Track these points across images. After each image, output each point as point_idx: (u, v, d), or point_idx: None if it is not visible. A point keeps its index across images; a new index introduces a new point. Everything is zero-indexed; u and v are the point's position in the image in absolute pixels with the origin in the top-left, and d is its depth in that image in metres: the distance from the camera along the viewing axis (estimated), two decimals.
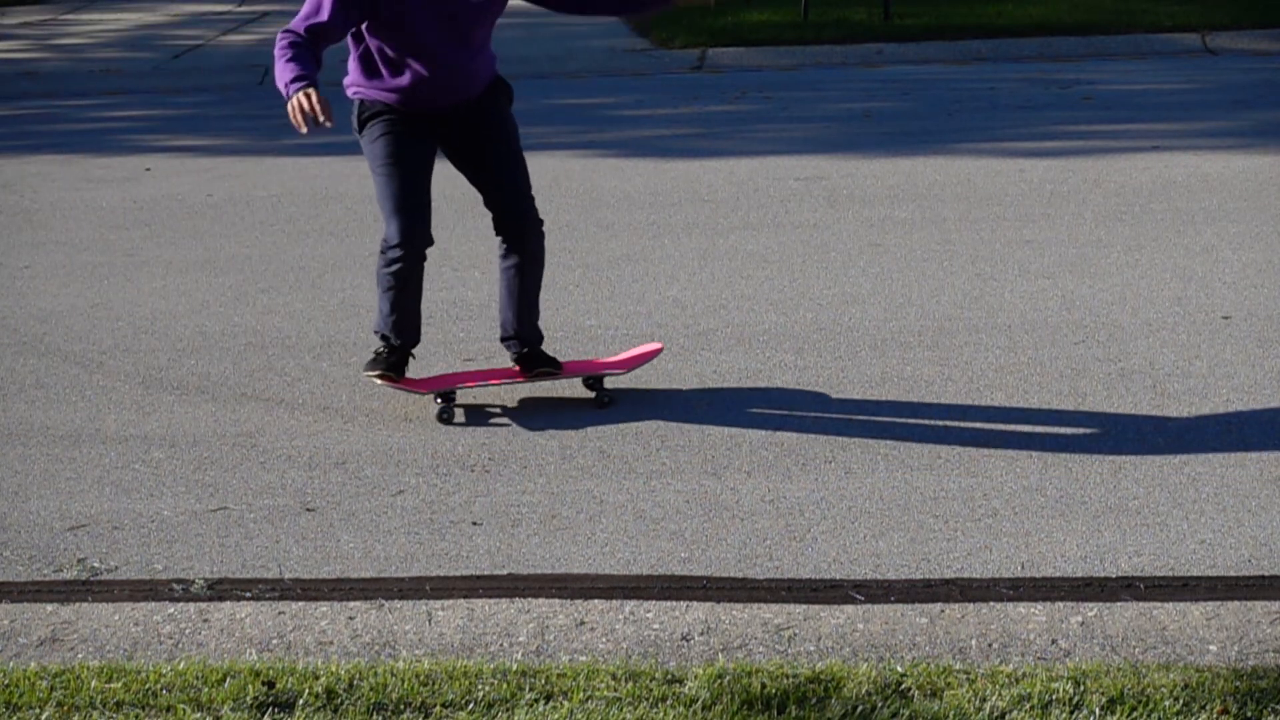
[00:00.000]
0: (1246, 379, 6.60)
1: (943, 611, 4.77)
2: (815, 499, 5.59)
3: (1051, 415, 6.30)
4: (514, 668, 4.46)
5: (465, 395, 6.61)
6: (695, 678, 4.37)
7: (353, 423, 6.46)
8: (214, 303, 8.13)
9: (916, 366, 6.88)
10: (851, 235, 8.99)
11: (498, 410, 6.54)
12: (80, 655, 4.69)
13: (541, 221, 6.50)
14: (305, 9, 6.13)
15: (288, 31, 6.10)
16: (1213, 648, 4.55)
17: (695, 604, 4.85)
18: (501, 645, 4.68)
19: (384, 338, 6.53)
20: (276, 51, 6.07)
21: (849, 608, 4.81)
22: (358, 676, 4.41)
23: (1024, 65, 14.85)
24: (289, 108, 5.94)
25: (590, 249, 8.86)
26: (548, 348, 6.71)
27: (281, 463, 6.07)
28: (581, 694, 4.30)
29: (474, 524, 5.48)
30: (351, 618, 4.84)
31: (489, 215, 6.56)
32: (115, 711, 4.29)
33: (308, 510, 5.63)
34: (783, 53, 15.76)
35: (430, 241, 6.39)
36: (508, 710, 4.25)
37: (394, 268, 6.36)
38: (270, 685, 4.36)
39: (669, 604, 4.85)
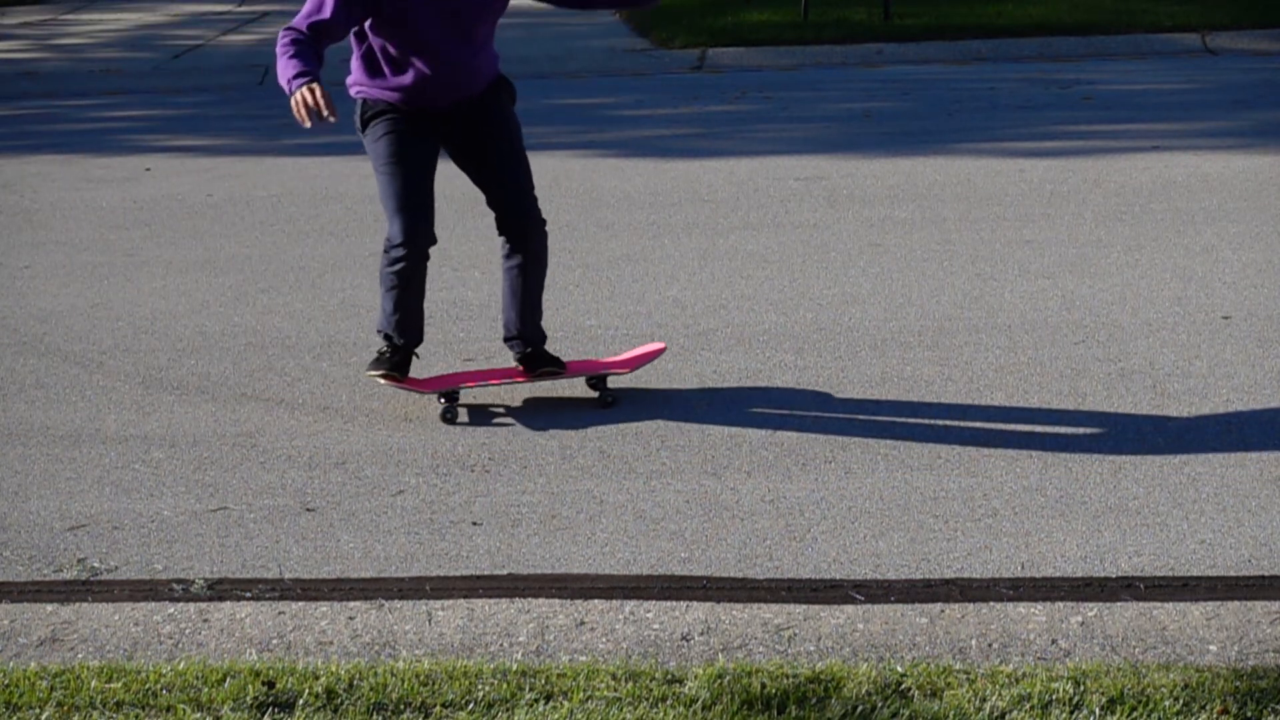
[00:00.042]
0: (1246, 379, 6.60)
1: (943, 611, 4.77)
2: (815, 499, 5.59)
3: (1051, 415, 6.30)
4: (514, 668, 4.46)
5: (467, 395, 6.61)
6: (695, 678, 4.37)
7: (353, 423, 6.46)
8: (214, 303, 8.13)
9: (916, 366, 6.88)
10: (851, 235, 8.99)
11: (500, 410, 6.54)
12: (80, 655, 4.69)
13: (544, 221, 6.50)
14: (307, 6, 6.13)
15: (290, 29, 6.10)
16: (1213, 648, 4.55)
17: (695, 604, 4.85)
18: (501, 645, 4.68)
19: (387, 337, 6.53)
20: (279, 49, 6.07)
21: (849, 608, 4.81)
22: (358, 676, 4.41)
23: (1024, 65, 14.85)
24: (293, 103, 5.94)
25: (590, 249, 8.86)
26: (549, 348, 6.71)
27: (281, 463, 6.07)
28: (581, 694, 4.30)
29: (474, 524, 5.48)
30: (351, 618, 4.84)
31: (489, 215, 6.56)
32: (115, 711, 4.29)
33: (308, 510, 5.63)
34: (783, 53, 15.76)
35: (433, 240, 6.39)
36: (508, 710, 4.25)
37: (397, 266, 6.36)
38: (270, 685, 4.36)
39: (669, 604, 4.85)
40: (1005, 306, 7.63)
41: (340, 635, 4.75)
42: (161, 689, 4.37)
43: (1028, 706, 4.19)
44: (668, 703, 4.26)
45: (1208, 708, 4.16)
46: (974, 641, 4.62)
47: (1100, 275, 8.07)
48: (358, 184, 10.47)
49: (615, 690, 4.31)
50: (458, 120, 6.42)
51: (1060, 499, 5.53)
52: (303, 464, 6.05)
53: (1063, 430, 6.16)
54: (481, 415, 6.50)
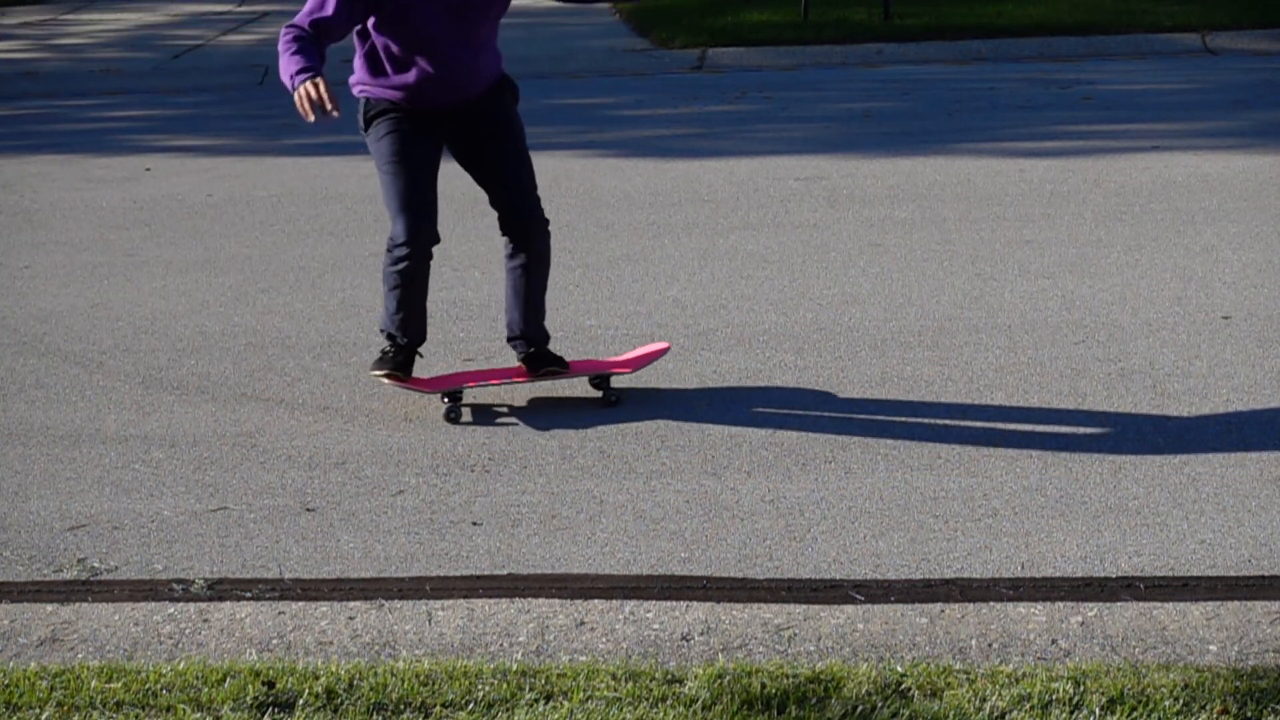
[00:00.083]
0: (1246, 379, 6.60)
1: (943, 611, 4.77)
2: (815, 499, 5.59)
3: (1051, 415, 6.30)
4: (514, 668, 4.46)
5: (469, 394, 6.61)
6: (695, 678, 4.37)
7: (353, 423, 6.46)
8: (214, 303, 8.13)
9: (916, 366, 6.88)
10: (851, 235, 8.99)
11: (502, 410, 6.54)
12: (80, 655, 4.69)
13: (547, 221, 6.50)
14: (310, 3, 6.13)
15: (292, 26, 6.10)
16: (1213, 648, 4.55)
17: (695, 604, 4.85)
18: (501, 645, 4.68)
19: (390, 336, 6.52)
20: (281, 45, 6.07)
21: (849, 608, 4.81)
22: (358, 676, 4.41)
23: (1024, 65, 14.85)
24: (296, 97, 5.93)
25: (590, 249, 8.86)
26: (551, 348, 6.71)
27: (281, 463, 6.07)
28: (581, 694, 4.30)
29: (474, 524, 5.48)
30: (351, 618, 4.84)
31: (489, 215, 6.56)
32: (115, 711, 4.29)
33: (308, 510, 5.63)
34: (783, 53, 15.76)
35: (437, 239, 6.38)
36: (508, 710, 4.25)
37: (400, 265, 6.36)
38: (270, 685, 4.36)
39: (669, 604, 4.85)
40: (1005, 306, 7.63)
41: (340, 635, 4.75)
42: (161, 689, 4.37)
43: (1028, 706, 4.19)
44: (668, 703, 4.26)
45: (1208, 708, 4.16)
46: (974, 641, 4.62)
47: (1100, 275, 8.07)
48: (358, 184, 10.47)
49: (615, 690, 4.32)
50: (461, 120, 6.42)
51: (1060, 499, 5.53)
52: (303, 464, 6.05)
53: (1063, 430, 6.16)
54: (482, 415, 6.50)
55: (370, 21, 6.23)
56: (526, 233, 6.47)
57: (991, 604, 4.79)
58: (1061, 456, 5.89)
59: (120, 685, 4.39)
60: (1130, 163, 10.50)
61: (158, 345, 7.49)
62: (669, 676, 4.40)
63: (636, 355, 6.77)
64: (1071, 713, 4.17)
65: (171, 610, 4.92)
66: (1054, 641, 4.60)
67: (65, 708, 4.31)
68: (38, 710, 4.30)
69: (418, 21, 6.19)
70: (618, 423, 6.34)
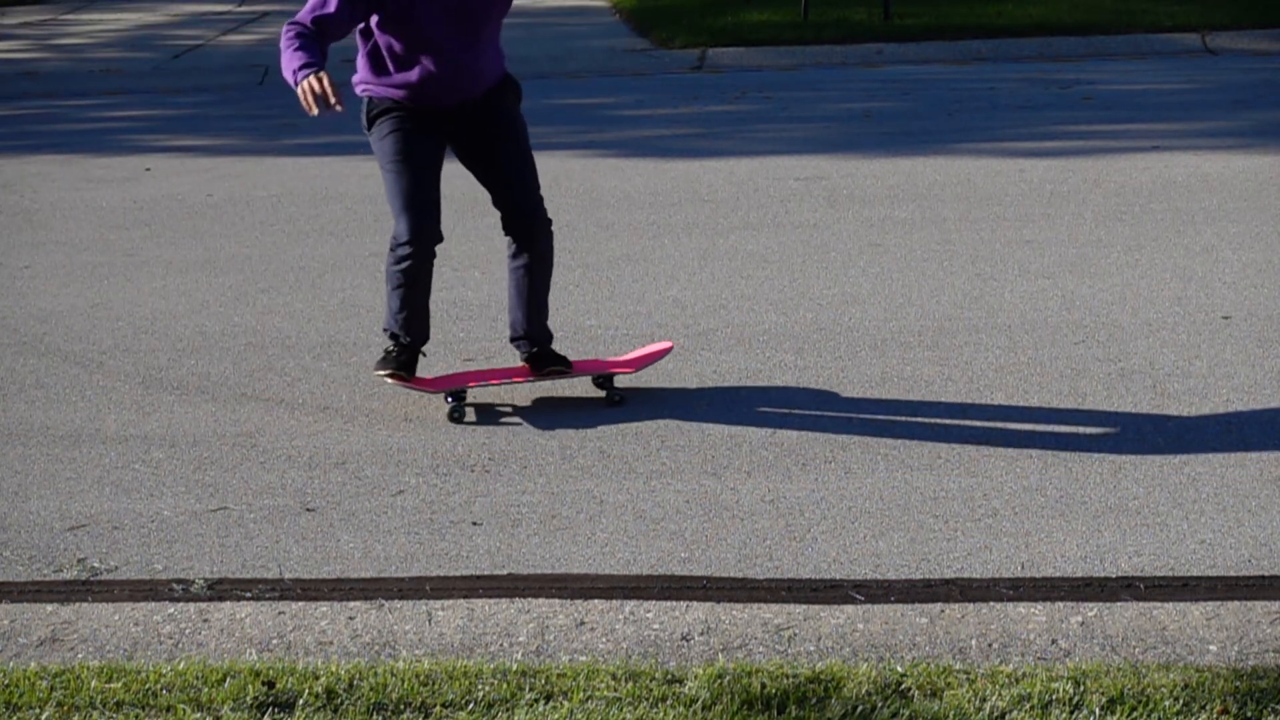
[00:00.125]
0: (1246, 379, 6.60)
1: (943, 611, 4.77)
2: (815, 499, 5.59)
3: (1051, 415, 6.30)
4: (514, 668, 4.46)
5: (472, 394, 6.61)
6: (695, 678, 4.37)
7: (353, 423, 6.46)
8: (214, 303, 8.13)
9: (916, 366, 6.88)
10: (851, 235, 8.99)
11: (506, 409, 6.54)
12: (80, 655, 4.69)
13: (550, 221, 6.51)
14: (312, 1, 6.13)
15: (294, 23, 6.10)
16: (1213, 648, 4.55)
17: (695, 604, 4.85)
18: (501, 645, 4.68)
19: (393, 336, 6.52)
20: (283, 42, 6.07)
21: (849, 608, 4.81)
22: (358, 676, 4.41)
23: (1024, 65, 14.85)
24: (299, 91, 5.93)
25: (590, 249, 8.86)
26: (554, 347, 6.70)
27: (281, 463, 6.07)
28: (581, 694, 4.30)
29: (474, 524, 5.48)
30: (351, 618, 4.84)
31: (490, 215, 6.56)
32: (115, 711, 4.29)
33: (308, 510, 5.63)
34: (783, 53, 15.76)
35: (440, 238, 6.38)
36: (508, 710, 4.25)
37: (403, 265, 6.36)
38: (270, 685, 4.36)
39: (669, 604, 4.85)
40: (1005, 306, 7.63)
41: (340, 635, 4.75)
42: (161, 689, 4.37)
43: (1028, 706, 4.19)
44: (668, 703, 4.26)
45: (1208, 708, 4.16)
46: (974, 641, 4.62)
47: (1100, 275, 8.07)
48: (358, 184, 10.47)
49: (615, 690, 4.31)
50: (464, 120, 6.42)
51: (1060, 499, 5.53)
52: (303, 464, 6.05)
53: (1063, 430, 6.16)
54: (483, 415, 6.50)
55: (373, 20, 6.24)
56: (529, 233, 6.47)
57: (991, 604, 4.79)
58: (1061, 456, 5.89)
59: (120, 685, 4.39)
60: (1130, 163, 10.50)
61: (158, 345, 7.49)
62: (669, 676, 4.40)
63: (639, 355, 6.77)
64: (1071, 713, 4.17)
65: (171, 610, 4.92)
66: (1054, 641, 4.60)
67: (65, 708, 4.31)
68: (38, 710, 4.30)
69: (420, 21, 6.19)
70: (618, 423, 6.34)
